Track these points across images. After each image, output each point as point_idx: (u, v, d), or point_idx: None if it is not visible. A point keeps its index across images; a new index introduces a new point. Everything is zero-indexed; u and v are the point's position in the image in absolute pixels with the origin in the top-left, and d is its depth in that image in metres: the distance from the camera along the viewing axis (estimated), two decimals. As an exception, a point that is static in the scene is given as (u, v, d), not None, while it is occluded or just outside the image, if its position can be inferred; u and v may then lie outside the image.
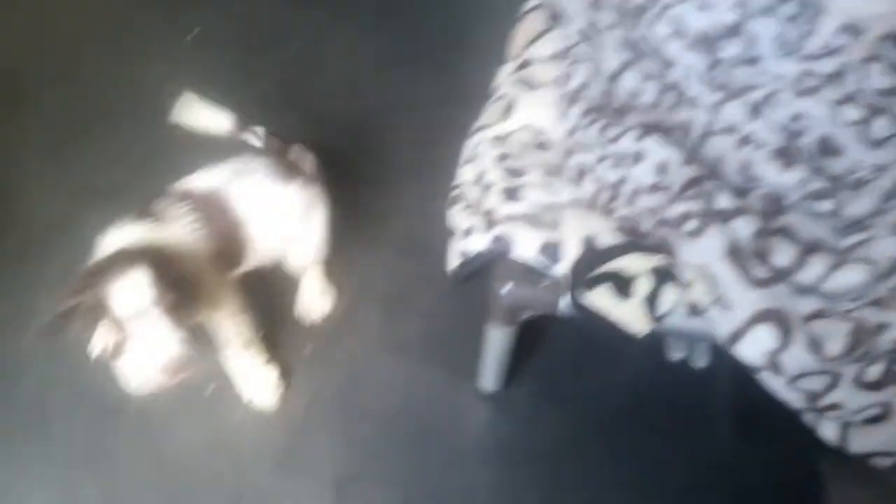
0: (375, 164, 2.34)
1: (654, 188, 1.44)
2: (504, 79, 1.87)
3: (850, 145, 1.52)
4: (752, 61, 1.63)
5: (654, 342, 1.91)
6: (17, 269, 1.99)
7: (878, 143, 1.50)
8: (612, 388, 1.90)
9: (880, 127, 1.49)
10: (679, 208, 1.38)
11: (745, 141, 1.54)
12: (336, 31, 2.73)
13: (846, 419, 1.32)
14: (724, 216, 1.36)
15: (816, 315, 1.29)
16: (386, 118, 2.49)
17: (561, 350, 1.95)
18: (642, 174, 1.47)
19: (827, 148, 1.53)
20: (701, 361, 1.92)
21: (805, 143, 1.53)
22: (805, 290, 1.31)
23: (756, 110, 1.56)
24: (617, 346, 1.90)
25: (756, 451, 1.79)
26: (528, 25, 1.93)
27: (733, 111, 1.57)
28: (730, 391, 1.87)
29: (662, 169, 1.45)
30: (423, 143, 2.34)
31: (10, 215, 2.10)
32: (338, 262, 2.02)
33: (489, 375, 1.77)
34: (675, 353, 1.94)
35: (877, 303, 1.29)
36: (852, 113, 1.50)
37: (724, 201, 1.38)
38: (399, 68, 2.64)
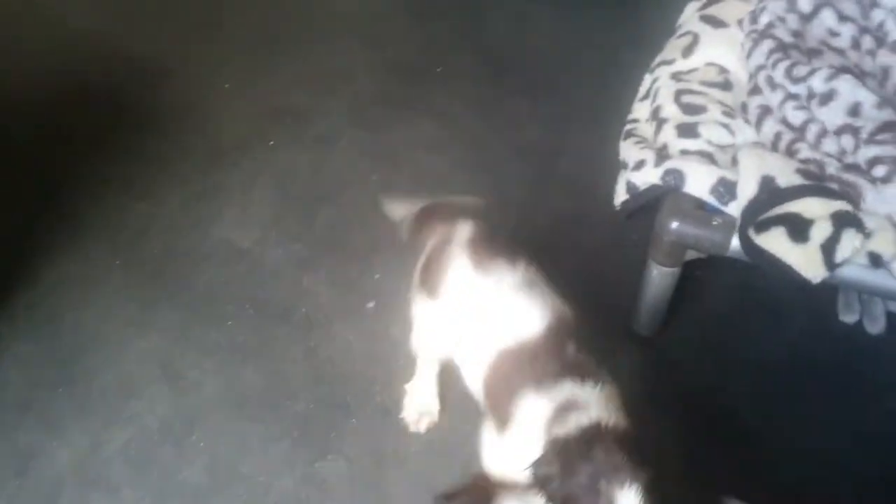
0: (545, 101, 2.34)
1: (843, 130, 1.36)
2: (690, 15, 1.82)
3: None
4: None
5: (826, 304, 1.84)
6: (206, 173, 2.15)
7: None
8: (771, 344, 1.82)
9: None
10: (870, 152, 1.30)
11: None
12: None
13: None
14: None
15: None
16: (566, 60, 2.47)
17: (722, 301, 1.88)
18: (832, 115, 1.39)
19: None
20: (875, 327, 1.81)
21: None
22: None
23: None
24: (783, 305, 1.86)
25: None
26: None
27: None
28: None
29: (855, 110, 1.37)
30: (602, 86, 2.32)
31: (201, 132, 2.26)
32: (500, 195, 2.05)
33: (645, 318, 1.74)
34: (848, 316, 1.84)
35: None
36: None
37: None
38: (579, 9, 2.62)
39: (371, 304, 1.86)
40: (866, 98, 1.38)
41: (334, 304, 1.86)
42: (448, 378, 1.57)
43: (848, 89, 1.40)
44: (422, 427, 1.63)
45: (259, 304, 1.87)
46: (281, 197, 2.11)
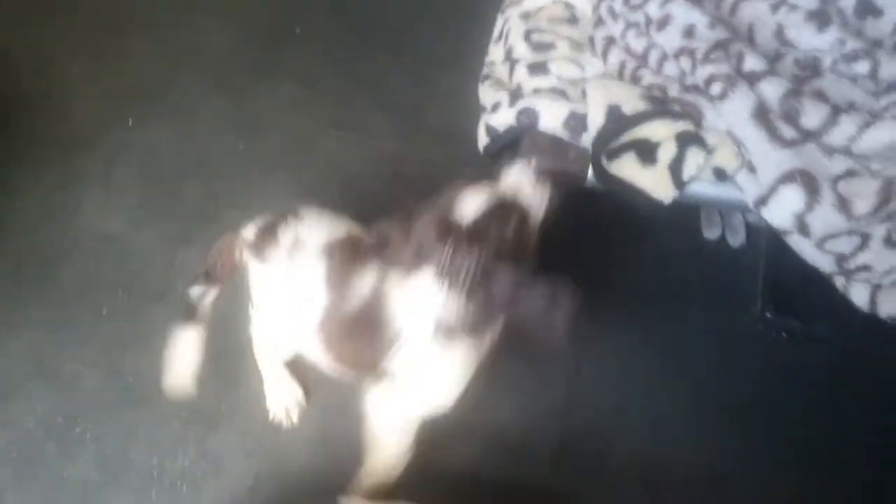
0: (406, 53, 2.33)
1: (681, 52, 1.41)
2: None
3: (890, 4, 1.47)
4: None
5: (690, 221, 1.93)
6: (64, 162, 2.05)
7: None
8: (644, 267, 1.90)
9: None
10: (705, 71, 1.36)
11: (779, 4, 1.49)
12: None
13: (876, 281, 1.31)
14: (753, 78, 1.33)
15: (845, 175, 1.26)
16: (423, 8, 2.46)
17: (590, 231, 1.94)
18: (669, 39, 1.44)
19: (867, 8, 1.48)
20: (736, 240, 1.92)
21: (842, 4, 1.48)
22: (835, 151, 1.29)
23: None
24: (650, 227, 1.94)
25: (789, 327, 1.80)
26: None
27: None
28: (764, 269, 1.86)
29: (689, 32, 1.42)
30: (461, 30, 2.31)
31: (54, 120, 2.15)
32: (371, 152, 2.05)
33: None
34: (710, 232, 1.93)
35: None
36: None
37: (753, 63, 1.35)
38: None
39: (250, 275, 1.84)
40: (699, 19, 1.43)
41: (211, 279, 1.83)
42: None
43: (681, 13, 1.45)
44: (293, 419, 1.64)
45: (132, 288, 1.82)
46: (146, 176, 2.04)
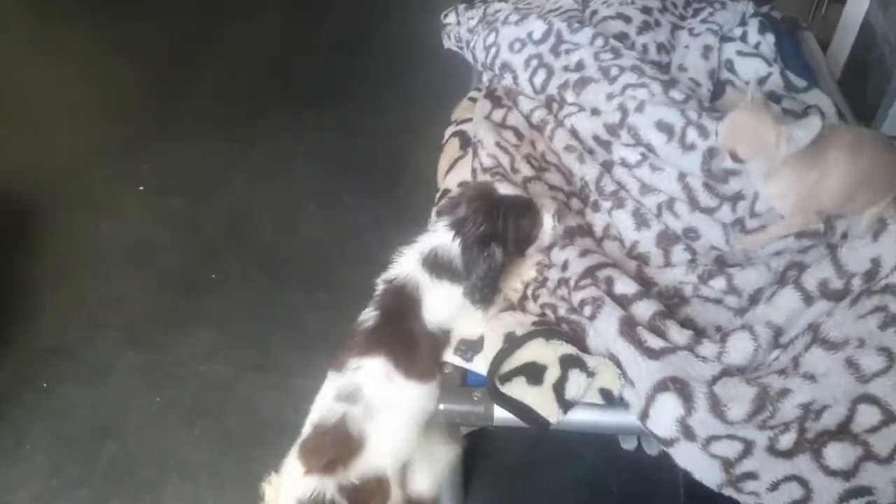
0: (320, 289, 2.43)
1: (560, 283, 1.55)
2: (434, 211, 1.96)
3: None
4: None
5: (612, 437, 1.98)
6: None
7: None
8: (569, 487, 1.92)
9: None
10: (576, 298, 1.48)
11: (633, 256, 1.66)
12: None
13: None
14: (625, 301, 1.45)
15: (721, 376, 1.34)
16: (337, 246, 2.59)
17: (516, 456, 1.98)
18: (554, 273, 1.58)
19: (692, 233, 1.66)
20: (652, 448, 1.96)
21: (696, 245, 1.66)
22: (706, 360, 1.37)
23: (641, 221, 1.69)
24: (572, 447, 1.98)
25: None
26: (448, 152, 2.04)
27: (619, 221, 1.72)
28: (684, 476, 1.89)
29: (565, 266, 1.56)
30: (375, 267, 2.42)
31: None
32: (288, 393, 2.07)
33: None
34: (627, 442, 1.98)
35: (782, 372, 1.34)
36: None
37: (624, 287, 1.47)
38: (344, 197, 2.78)
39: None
40: (570, 255, 1.57)
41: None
42: None
43: (553, 254, 1.60)
44: None
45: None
46: (59, 441, 2.02)
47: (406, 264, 1.55)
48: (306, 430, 1.43)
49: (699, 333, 1.42)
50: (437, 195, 1.94)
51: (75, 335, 2.29)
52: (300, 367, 2.18)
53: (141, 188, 2.76)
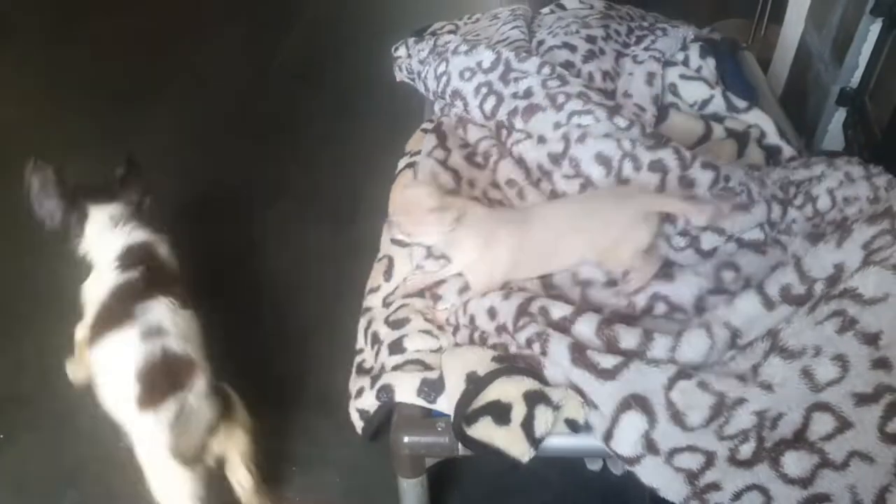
0: (284, 322, 2.41)
1: (499, 330, 1.56)
2: (384, 239, 1.98)
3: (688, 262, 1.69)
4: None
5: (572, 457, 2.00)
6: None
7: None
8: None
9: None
10: (521, 337, 1.50)
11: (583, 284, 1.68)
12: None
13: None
14: (566, 324, 1.48)
15: (676, 378, 1.37)
16: (291, 275, 2.58)
17: (481, 484, 1.98)
18: (483, 324, 1.60)
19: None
20: (617, 468, 1.98)
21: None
22: (658, 362, 1.41)
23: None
24: (538, 470, 1.99)
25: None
26: (401, 182, 2.07)
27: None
28: (651, 494, 1.92)
29: (492, 314, 1.58)
30: (329, 298, 2.43)
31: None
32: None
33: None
34: (593, 465, 2.00)
35: (741, 378, 1.38)
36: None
37: (560, 311, 1.51)
38: (298, 229, 2.78)
39: None
40: (493, 299, 1.59)
41: None
42: None
43: (474, 305, 1.62)
44: None
45: None
46: (18, 491, 1.98)
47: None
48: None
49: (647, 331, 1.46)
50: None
51: (32, 381, 2.24)
52: (261, 406, 2.17)
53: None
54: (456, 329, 1.64)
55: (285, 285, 2.55)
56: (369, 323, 1.78)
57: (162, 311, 1.74)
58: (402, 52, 2.53)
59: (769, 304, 1.46)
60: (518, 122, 1.93)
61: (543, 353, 1.44)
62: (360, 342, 1.80)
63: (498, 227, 1.63)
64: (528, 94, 1.96)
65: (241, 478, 1.80)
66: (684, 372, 1.38)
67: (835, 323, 1.37)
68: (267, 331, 2.40)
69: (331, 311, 2.38)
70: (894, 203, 1.53)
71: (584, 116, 1.85)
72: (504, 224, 1.65)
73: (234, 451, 1.77)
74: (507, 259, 1.63)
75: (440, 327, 1.67)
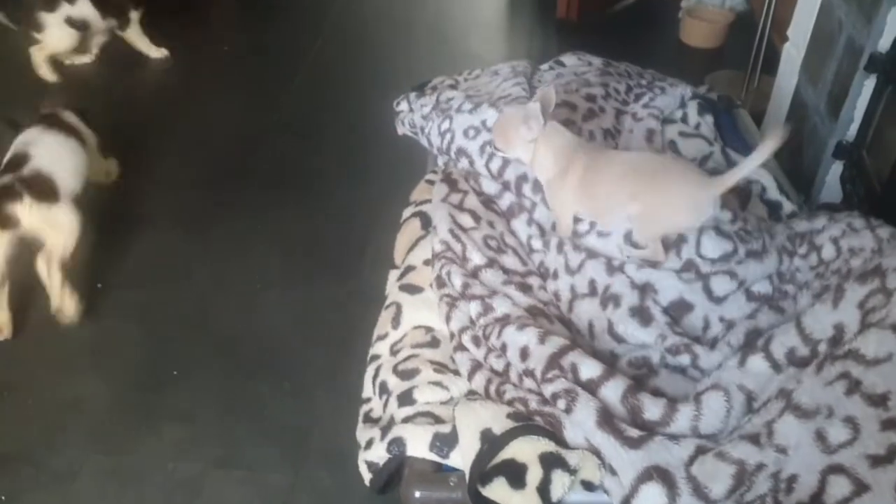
0: (291, 379, 2.42)
1: (525, 374, 1.57)
2: (391, 286, 2.00)
3: (698, 302, 1.70)
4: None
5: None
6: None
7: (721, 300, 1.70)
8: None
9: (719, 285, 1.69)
10: (548, 390, 1.50)
11: (606, 301, 1.69)
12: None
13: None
14: (592, 385, 1.49)
15: (696, 454, 1.37)
16: (299, 331, 2.58)
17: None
18: (514, 361, 1.60)
19: (679, 304, 1.71)
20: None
21: (658, 297, 1.71)
22: (681, 437, 1.41)
23: (612, 268, 1.76)
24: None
25: None
26: (408, 231, 2.10)
27: (592, 269, 1.77)
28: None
29: (524, 353, 1.58)
30: (339, 349, 2.43)
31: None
32: (258, 488, 2.05)
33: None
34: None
35: (754, 440, 1.38)
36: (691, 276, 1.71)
37: (589, 371, 1.51)
38: (301, 281, 2.79)
39: None
40: (529, 339, 1.58)
41: None
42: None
43: (514, 336, 1.61)
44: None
45: None
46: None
47: None
48: None
49: (670, 401, 1.47)
50: (400, 272, 1.98)
51: (35, 440, 2.23)
52: (268, 460, 2.17)
53: (99, 285, 2.74)
54: (476, 367, 1.65)
55: (290, 339, 2.56)
56: (377, 371, 1.78)
57: None
58: (403, 106, 2.57)
59: (776, 367, 1.48)
60: (527, 191, 1.97)
61: (568, 410, 1.44)
62: (368, 391, 1.80)
63: (576, 155, 1.80)
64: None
65: (52, 271, 2.47)
66: (705, 447, 1.39)
67: (842, 384, 1.38)
68: (272, 381, 2.41)
69: (337, 360, 2.39)
70: (883, 261, 1.56)
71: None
72: (583, 153, 1.81)
73: (53, 237, 2.44)
74: (575, 187, 1.80)
75: (455, 372, 1.69)
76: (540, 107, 1.81)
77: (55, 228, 2.44)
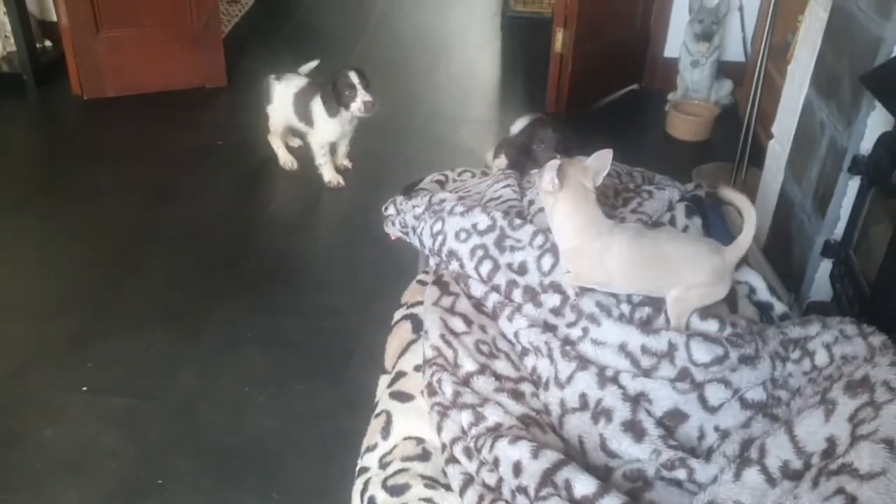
0: (281, 488, 2.35)
1: (517, 490, 1.53)
2: (381, 392, 1.97)
3: (693, 411, 1.68)
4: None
5: None
6: None
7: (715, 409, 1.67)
8: None
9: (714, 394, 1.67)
10: (543, 509, 1.45)
11: (598, 415, 1.66)
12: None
13: None
14: (587, 502, 1.45)
15: None
16: (287, 435, 2.53)
17: None
18: (506, 475, 1.56)
19: (674, 414, 1.68)
20: None
21: (651, 408, 1.68)
22: None
23: (604, 379, 1.74)
24: None
25: None
26: (399, 335, 2.08)
27: (583, 381, 1.74)
28: None
29: (517, 468, 1.54)
30: (327, 456, 2.38)
31: None
32: None
33: None
34: None
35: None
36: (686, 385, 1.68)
37: (583, 488, 1.47)
38: (292, 382, 2.74)
39: None
40: (522, 453, 1.55)
41: None
42: None
43: (506, 450, 1.57)
44: None
45: None
46: None
47: None
48: None
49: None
50: (390, 377, 1.95)
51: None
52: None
53: (84, 388, 2.69)
54: (468, 482, 1.61)
55: (279, 448, 2.49)
56: (365, 485, 1.73)
57: None
58: (391, 210, 2.61)
59: (771, 481, 1.46)
60: (517, 296, 1.97)
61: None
62: None
63: (612, 234, 1.85)
64: (522, 269, 2.02)
65: None
66: None
67: (839, 500, 1.35)
68: (260, 492, 2.33)
69: (326, 471, 2.33)
70: (871, 372, 1.56)
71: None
72: (619, 232, 1.86)
73: None
74: (618, 270, 1.85)
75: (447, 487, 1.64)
76: (595, 166, 1.88)
77: None
